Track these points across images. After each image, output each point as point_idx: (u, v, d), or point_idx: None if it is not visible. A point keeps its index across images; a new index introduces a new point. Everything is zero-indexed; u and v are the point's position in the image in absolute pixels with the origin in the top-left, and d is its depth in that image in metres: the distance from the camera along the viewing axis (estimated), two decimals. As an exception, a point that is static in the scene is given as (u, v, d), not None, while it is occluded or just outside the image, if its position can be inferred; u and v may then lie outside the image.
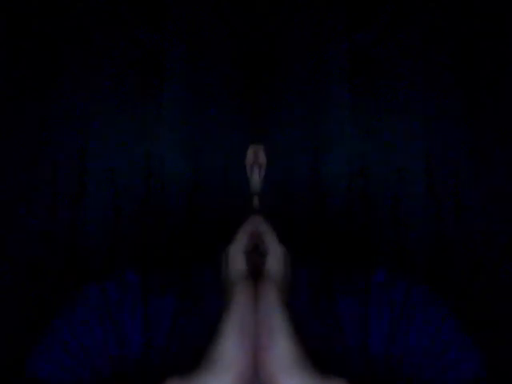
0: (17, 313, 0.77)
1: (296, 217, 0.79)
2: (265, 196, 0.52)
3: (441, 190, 0.80)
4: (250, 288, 0.41)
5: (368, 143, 0.81)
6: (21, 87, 0.80)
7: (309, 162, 0.80)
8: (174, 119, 0.81)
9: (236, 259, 0.44)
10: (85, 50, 0.81)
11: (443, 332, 0.45)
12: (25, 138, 0.79)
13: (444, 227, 0.80)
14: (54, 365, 0.44)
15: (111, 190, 0.80)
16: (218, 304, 0.42)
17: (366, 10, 0.81)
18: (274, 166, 0.58)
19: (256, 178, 0.52)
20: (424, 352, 0.45)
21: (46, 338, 0.45)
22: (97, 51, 0.81)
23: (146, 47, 0.81)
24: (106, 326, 0.46)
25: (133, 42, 0.81)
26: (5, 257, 0.78)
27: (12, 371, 0.48)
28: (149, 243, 0.79)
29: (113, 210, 0.80)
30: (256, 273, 0.43)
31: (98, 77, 0.81)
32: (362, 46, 0.81)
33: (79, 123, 0.80)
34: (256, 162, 0.53)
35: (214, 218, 0.78)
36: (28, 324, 0.76)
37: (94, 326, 0.46)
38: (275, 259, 0.44)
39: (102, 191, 0.80)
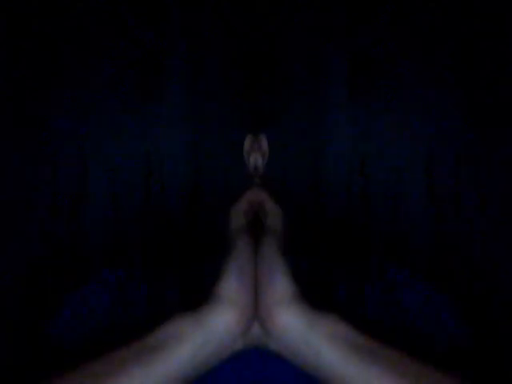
0: (17, 313, 0.77)
1: (296, 216, 0.79)
2: (266, 180, 0.56)
3: (441, 189, 0.80)
4: (249, 237, 0.47)
5: (368, 143, 0.81)
6: (21, 87, 0.80)
7: (309, 162, 0.80)
8: (174, 119, 0.81)
9: (237, 217, 0.51)
10: (85, 49, 0.81)
11: (430, 304, 0.49)
12: (25, 138, 0.80)
13: (444, 227, 0.80)
14: (70, 328, 0.49)
15: (111, 189, 0.80)
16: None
17: (366, 9, 0.81)
18: (273, 165, 0.59)
19: (258, 164, 0.57)
20: (414, 318, 0.49)
21: (62, 308, 0.51)
22: (97, 51, 0.81)
23: (146, 47, 0.81)
24: (115, 302, 0.50)
25: (133, 42, 0.81)
26: (5, 257, 0.78)
27: (12, 371, 0.48)
28: (149, 243, 0.79)
29: (113, 210, 0.80)
30: (258, 232, 0.49)
31: (98, 77, 0.81)
32: (362, 45, 0.81)
33: (79, 123, 0.80)
34: (259, 150, 0.58)
35: (213, 217, 0.78)
36: (28, 324, 0.76)
37: (104, 300, 0.51)
38: (274, 218, 0.50)
39: (101, 191, 0.80)
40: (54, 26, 0.80)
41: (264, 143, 0.59)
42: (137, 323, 0.50)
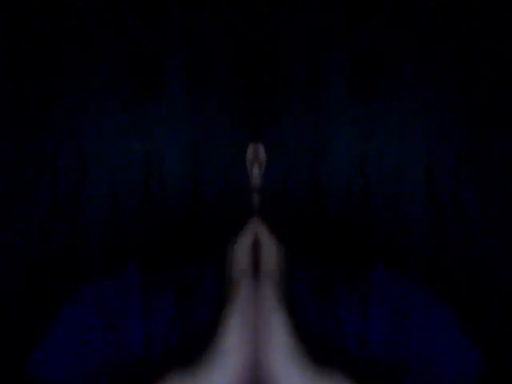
0: (17, 313, 0.77)
1: (296, 217, 0.79)
2: (264, 195, 0.55)
3: (441, 190, 0.80)
4: (250, 289, 0.45)
5: (368, 143, 0.81)
6: (21, 87, 0.80)
7: (309, 162, 0.80)
8: (174, 119, 0.81)
9: (240, 259, 0.48)
10: (85, 49, 0.81)
11: (442, 331, 0.47)
12: (25, 137, 0.79)
13: (444, 227, 0.80)
14: (54, 365, 0.45)
15: (111, 189, 0.80)
16: (217, 303, 0.43)
17: (366, 9, 0.81)
18: (273, 166, 0.59)
19: (256, 175, 0.56)
20: (423, 350, 0.47)
21: (46, 339, 0.47)
22: (97, 51, 0.81)
23: (146, 47, 0.81)
24: (105, 326, 0.48)
25: (133, 42, 0.81)
26: (5, 257, 0.78)
27: (12, 372, 0.48)
28: (149, 243, 0.79)
29: (113, 210, 0.80)
30: (254, 268, 0.47)
31: (98, 77, 0.81)
32: (362, 45, 0.81)
33: (79, 123, 0.80)
34: (256, 159, 0.56)
35: (214, 217, 0.78)
36: (28, 324, 0.76)
37: (93, 327, 0.47)
38: (270, 256, 0.48)
39: (101, 191, 0.80)
40: (54, 25, 0.80)
41: (261, 152, 0.58)
42: (137, 325, 0.49)
